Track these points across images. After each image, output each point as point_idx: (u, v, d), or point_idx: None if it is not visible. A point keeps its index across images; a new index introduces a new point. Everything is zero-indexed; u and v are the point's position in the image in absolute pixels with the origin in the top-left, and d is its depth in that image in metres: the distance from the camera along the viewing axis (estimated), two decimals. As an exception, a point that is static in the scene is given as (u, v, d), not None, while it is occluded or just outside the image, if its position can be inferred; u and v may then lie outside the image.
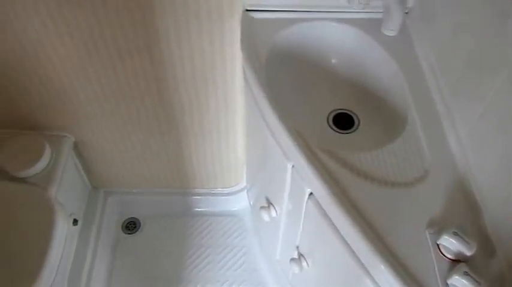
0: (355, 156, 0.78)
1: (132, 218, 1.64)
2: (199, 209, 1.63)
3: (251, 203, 1.45)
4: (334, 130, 0.96)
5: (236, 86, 1.15)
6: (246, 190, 1.53)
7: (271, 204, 1.08)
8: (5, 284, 1.03)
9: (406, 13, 1.00)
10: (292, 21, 0.98)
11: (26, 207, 1.15)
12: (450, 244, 0.65)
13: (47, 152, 1.23)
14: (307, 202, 0.84)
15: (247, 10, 0.98)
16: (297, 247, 1.01)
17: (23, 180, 1.20)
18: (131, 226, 1.62)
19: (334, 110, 1.00)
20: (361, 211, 0.71)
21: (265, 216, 1.07)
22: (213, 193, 1.58)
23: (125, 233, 1.60)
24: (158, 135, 1.32)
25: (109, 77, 1.11)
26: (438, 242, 0.67)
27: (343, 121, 0.98)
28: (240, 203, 1.60)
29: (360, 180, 0.75)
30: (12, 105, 1.21)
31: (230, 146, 1.37)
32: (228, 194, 1.58)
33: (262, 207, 1.09)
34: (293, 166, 0.85)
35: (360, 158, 0.78)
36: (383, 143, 0.82)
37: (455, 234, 0.65)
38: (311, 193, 0.82)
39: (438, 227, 0.69)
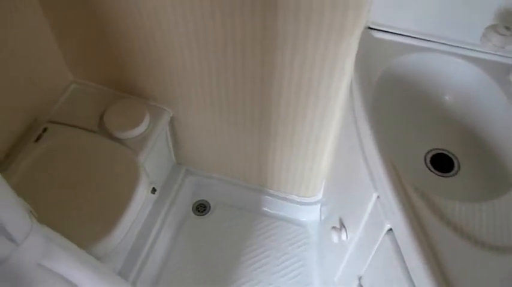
0: (449, 204, 0.73)
1: (204, 201, 1.69)
2: (269, 210, 1.64)
3: (322, 218, 1.42)
4: (430, 170, 0.90)
5: (337, 102, 1.13)
6: (320, 204, 1.51)
7: (344, 227, 1.05)
8: (82, 231, 1.11)
9: (543, 64, 0.91)
10: (414, 49, 0.94)
11: (116, 165, 1.24)
12: (536, 329, 0.59)
13: (146, 120, 1.31)
14: (383, 237, 0.80)
15: (370, 28, 0.96)
16: (360, 278, 0.97)
17: (119, 140, 1.29)
18: (201, 208, 1.67)
19: (435, 149, 0.94)
20: (441, 263, 0.66)
21: (334, 237, 1.04)
22: (287, 199, 1.58)
23: (194, 213, 1.66)
24: (249, 131, 1.34)
25: (219, 69, 1.15)
26: (522, 323, 0.60)
27: (442, 163, 0.92)
28: (310, 214, 1.58)
29: (449, 231, 0.70)
30: (129, 72, 1.30)
31: (316, 157, 1.35)
32: (301, 203, 1.57)
33: (333, 227, 1.06)
34: (378, 197, 0.81)
35: (454, 207, 0.72)
36: (483, 197, 0.75)
37: (544, 320, 0.58)
38: (390, 229, 0.78)
39: (525, 306, 0.62)
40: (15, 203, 0.54)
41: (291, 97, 1.15)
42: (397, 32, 0.95)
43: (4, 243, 0.52)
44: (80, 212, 1.14)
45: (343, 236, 1.04)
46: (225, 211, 1.66)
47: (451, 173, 0.90)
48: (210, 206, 1.68)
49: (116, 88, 1.40)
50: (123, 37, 1.19)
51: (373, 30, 0.96)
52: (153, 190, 1.40)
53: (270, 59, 1.07)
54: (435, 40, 0.94)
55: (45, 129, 1.27)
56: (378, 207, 0.82)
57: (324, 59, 1.03)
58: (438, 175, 0.90)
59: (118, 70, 1.32)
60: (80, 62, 1.37)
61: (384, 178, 0.74)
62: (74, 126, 1.31)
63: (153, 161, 1.37)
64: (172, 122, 1.44)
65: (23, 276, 0.57)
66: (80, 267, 0.65)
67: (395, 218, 0.72)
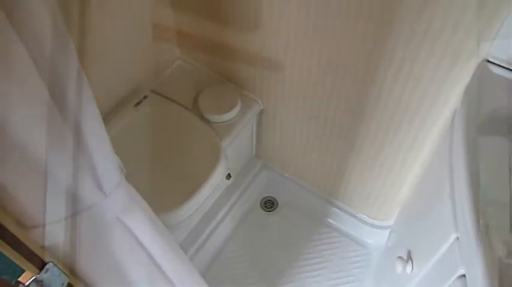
0: (537, 266, 0.66)
1: (273, 198, 1.70)
2: (334, 223, 1.61)
3: (388, 245, 1.36)
4: (522, 225, 0.83)
5: (433, 131, 1.08)
6: (389, 230, 1.45)
7: (411, 259, 1.00)
8: (157, 197, 1.17)
9: None
10: None
11: (200, 145, 1.29)
12: None
13: (237, 108, 1.35)
14: (454, 281, 0.75)
15: (488, 61, 0.90)
16: (416, 316, 0.92)
17: (208, 122, 1.34)
18: (269, 204, 1.69)
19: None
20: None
21: (399, 268, 1.00)
22: (356, 216, 1.54)
23: (261, 208, 1.68)
24: (334, 140, 1.32)
25: (319, 72, 1.15)
26: None
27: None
28: (376, 238, 1.53)
29: (530, 294, 0.64)
30: (231, 60, 1.35)
31: (396, 182, 1.30)
32: (369, 224, 1.52)
33: (399, 257, 1.01)
34: (457, 238, 0.76)
35: (541, 271, 0.66)
36: None
37: None
38: (463, 275, 0.73)
39: None
40: (112, 155, 0.58)
41: (385, 115, 1.12)
42: (518, 70, 0.88)
43: (94, 192, 0.57)
44: (158, 179, 1.21)
45: (408, 269, 0.99)
46: (291, 213, 1.66)
47: (546, 234, 0.82)
48: (277, 204, 1.69)
49: (216, 71, 1.45)
50: (232, 25, 1.23)
51: (491, 64, 0.90)
52: (228, 176, 1.44)
53: (373, 69, 1.04)
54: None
55: (145, 97, 1.36)
56: (454, 249, 0.77)
57: (429, 84, 0.98)
58: (530, 233, 0.82)
59: (221, 55, 1.37)
60: (189, 40, 1.44)
61: (470, 222, 0.69)
62: (171, 100, 1.38)
63: (234, 148, 1.41)
64: (260, 115, 1.47)
65: (102, 226, 0.62)
66: (151, 229, 0.69)
67: (473, 266, 0.67)
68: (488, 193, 0.76)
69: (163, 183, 1.21)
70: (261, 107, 1.43)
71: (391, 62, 1.00)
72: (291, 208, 1.67)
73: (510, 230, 0.77)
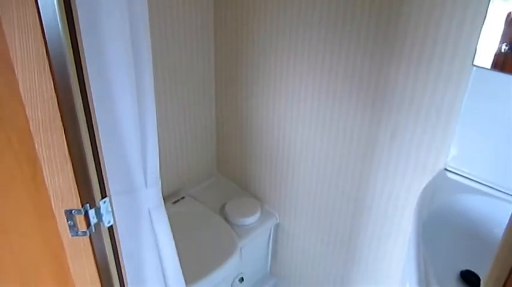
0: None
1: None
2: None
3: None
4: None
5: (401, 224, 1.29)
6: None
7: None
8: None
9: None
10: (478, 192, 1.07)
11: (221, 239, 1.53)
12: None
13: (257, 215, 1.61)
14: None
15: (446, 169, 1.15)
16: None
17: (231, 224, 1.58)
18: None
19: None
20: None
21: None
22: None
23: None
24: (337, 253, 1.51)
25: (328, 199, 1.44)
26: None
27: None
28: None
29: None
30: (257, 178, 1.68)
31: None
32: None
33: None
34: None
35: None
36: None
37: None
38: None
39: None
40: (156, 153, 0.84)
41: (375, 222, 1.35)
42: (466, 175, 1.12)
43: (141, 178, 0.83)
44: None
45: None
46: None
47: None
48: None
49: (244, 187, 1.77)
50: (261, 154, 1.59)
51: (448, 172, 1.15)
52: (241, 279, 1.60)
53: (366, 177, 1.32)
54: (500, 189, 1.07)
55: (183, 198, 1.67)
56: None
57: (401, 183, 1.25)
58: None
59: (247, 174, 1.70)
60: (225, 160, 1.80)
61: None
62: (203, 204, 1.67)
63: (249, 252, 1.60)
64: (276, 231, 1.70)
65: (135, 213, 0.87)
66: (168, 235, 0.92)
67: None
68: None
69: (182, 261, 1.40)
70: (278, 221, 1.67)
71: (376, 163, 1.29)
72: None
73: None
